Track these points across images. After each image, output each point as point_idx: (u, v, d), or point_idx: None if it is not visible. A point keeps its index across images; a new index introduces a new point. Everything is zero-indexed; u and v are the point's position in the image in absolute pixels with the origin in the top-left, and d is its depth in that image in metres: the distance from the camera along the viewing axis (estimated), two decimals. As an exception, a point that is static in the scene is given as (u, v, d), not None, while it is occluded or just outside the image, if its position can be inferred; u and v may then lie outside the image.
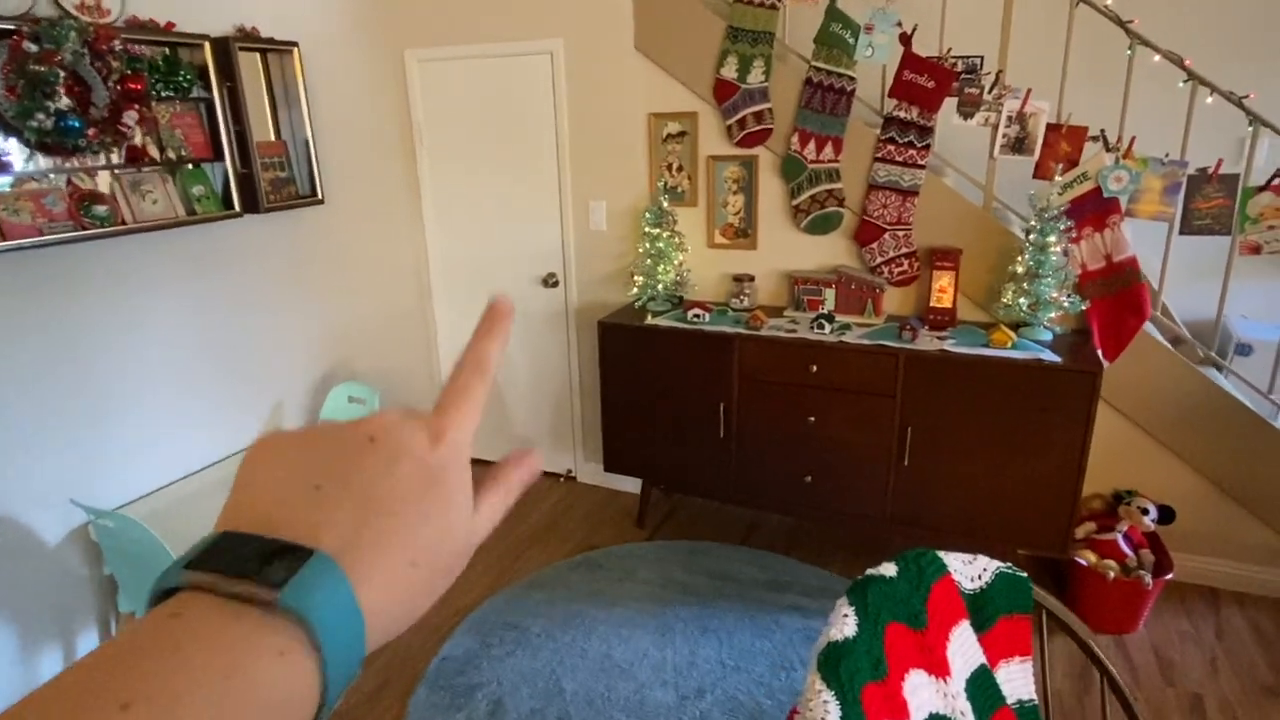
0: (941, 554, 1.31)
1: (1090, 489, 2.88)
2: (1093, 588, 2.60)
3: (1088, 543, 2.74)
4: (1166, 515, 2.73)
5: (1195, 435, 2.72)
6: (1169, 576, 2.57)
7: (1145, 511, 2.71)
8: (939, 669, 1.25)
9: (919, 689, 1.22)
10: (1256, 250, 2.56)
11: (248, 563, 0.27)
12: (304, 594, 0.27)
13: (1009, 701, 1.31)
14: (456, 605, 2.86)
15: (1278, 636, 2.59)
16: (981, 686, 1.29)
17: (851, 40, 2.82)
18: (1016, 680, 1.33)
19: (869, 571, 1.26)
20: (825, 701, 1.09)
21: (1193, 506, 2.80)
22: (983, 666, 1.30)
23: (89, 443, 2.45)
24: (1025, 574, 1.35)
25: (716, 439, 3.02)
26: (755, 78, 2.97)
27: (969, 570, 1.32)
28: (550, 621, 2.75)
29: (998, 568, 1.34)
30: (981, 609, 1.32)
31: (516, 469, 0.41)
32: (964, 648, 1.29)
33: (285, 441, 0.33)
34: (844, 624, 1.18)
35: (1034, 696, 1.33)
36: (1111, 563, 2.64)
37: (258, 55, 2.81)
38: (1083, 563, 2.64)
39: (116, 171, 2.40)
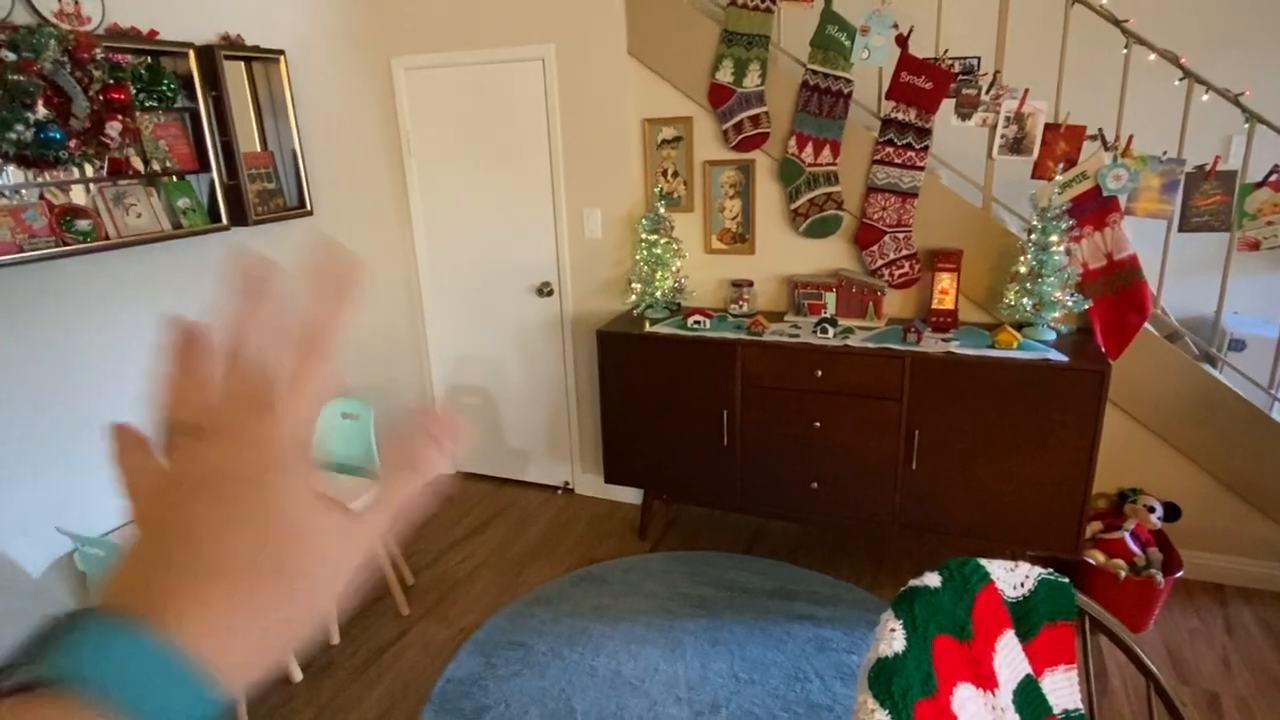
0: (984, 562, 1.28)
1: (1095, 488, 2.87)
2: (1104, 588, 2.58)
3: (1095, 542, 2.73)
4: (1172, 513, 2.73)
5: (1197, 431, 2.72)
6: (1179, 574, 2.56)
7: (1151, 509, 2.71)
8: (986, 681, 1.21)
9: (967, 703, 1.18)
10: (1255, 246, 2.57)
11: (21, 652, 0.26)
12: (71, 658, 0.25)
13: (1055, 711, 1.27)
14: (459, 625, 2.78)
15: (1287, 631, 2.59)
16: (1028, 697, 1.25)
17: (848, 43, 2.80)
18: (1062, 689, 1.29)
19: (912, 583, 1.22)
20: (883, 721, 1.05)
21: (1196, 503, 2.80)
22: (1029, 676, 1.26)
23: (74, 466, 2.35)
24: (1067, 580, 1.32)
25: (720, 447, 2.97)
26: (751, 81, 2.94)
27: (1012, 578, 1.29)
28: (556, 639, 2.68)
29: (1040, 574, 1.30)
30: (1025, 617, 1.28)
31: (429, 441, 0.34)
32: (1010, 658, 1.25)
33: (137, 514, 0.32)
34: (892, 639, 1.13)
35: (1080, 706, 1.29)
36: (1121, 562, 2.63)
37: (243, 64, 2.74)
38: (1092, 563, 2.63)
39: (99, 185, 2.32)
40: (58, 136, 2.12)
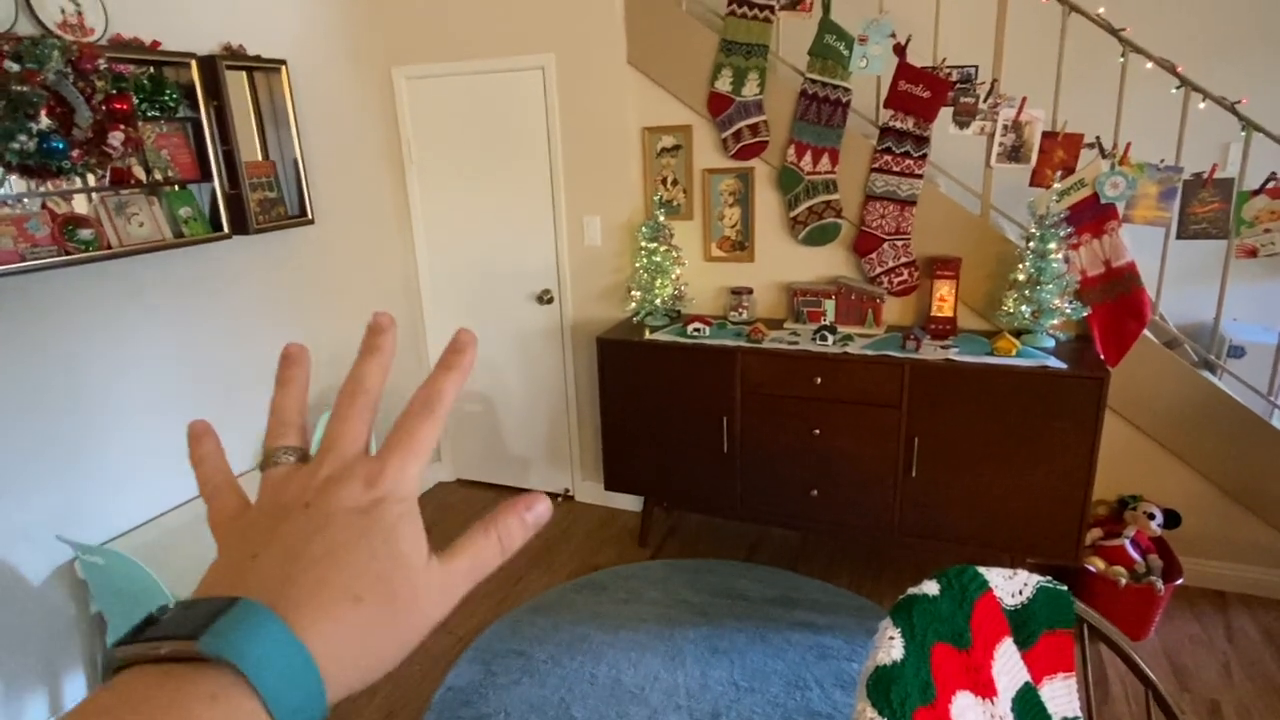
0: (982, 570, 1.28)
1: (1094, 495, 2.87)
2: (1104, 595, 2.58)
3: (1095, 549, 2.73)
4: (1172, 519, 2.72)
5: (1197, 438, 2.72)
6: (1179, 581, 2.56)
7: (1151, 516, 2.71)
8: (985, 689, 1.21)
9: (966, 710, 1.18)
10: (1253, 254, 2.58)
11: (173, 623, 0.29)
12: (225, 637, 0.28)
13: (1055, 719, 1.27)
14: (459, 633, 2.78)
15: (1289, 638, 2.59)
16: (1027, 705, 1.25)
17: (846, 52, 2.82)
18: (1061, 698, 1.29)
19: (911, 591, 1.22)
20: (881, 730, 1.05)
21: (1197, 510, 2.80)
22: (1027, 684, 1.27)
23: (74, 475, 2.36)
24: (1065, 587, 1.32)
25: (720, 454, 2.98)
26: (750, 90, 2.96)
27: (1010, 586, 1.29)
28: (556, 647, 2.68)
29: (1038, 582, 1.31)
30: (1024, 625, 1.28)
31: (513, 511, 0.39)
32: (1008, 666, 1.25)
33: (231, 530, 0.36)
34: (890, 647, 1.14)
35: (1079, 713, 1.29)
36: (1121, 569, 2.63)
37: (244, 74, 2.75)
38: (1092, 570, 2.62)
39: (101, 194, 2.33)
40: (60, 146, 2.13)
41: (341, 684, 0.30)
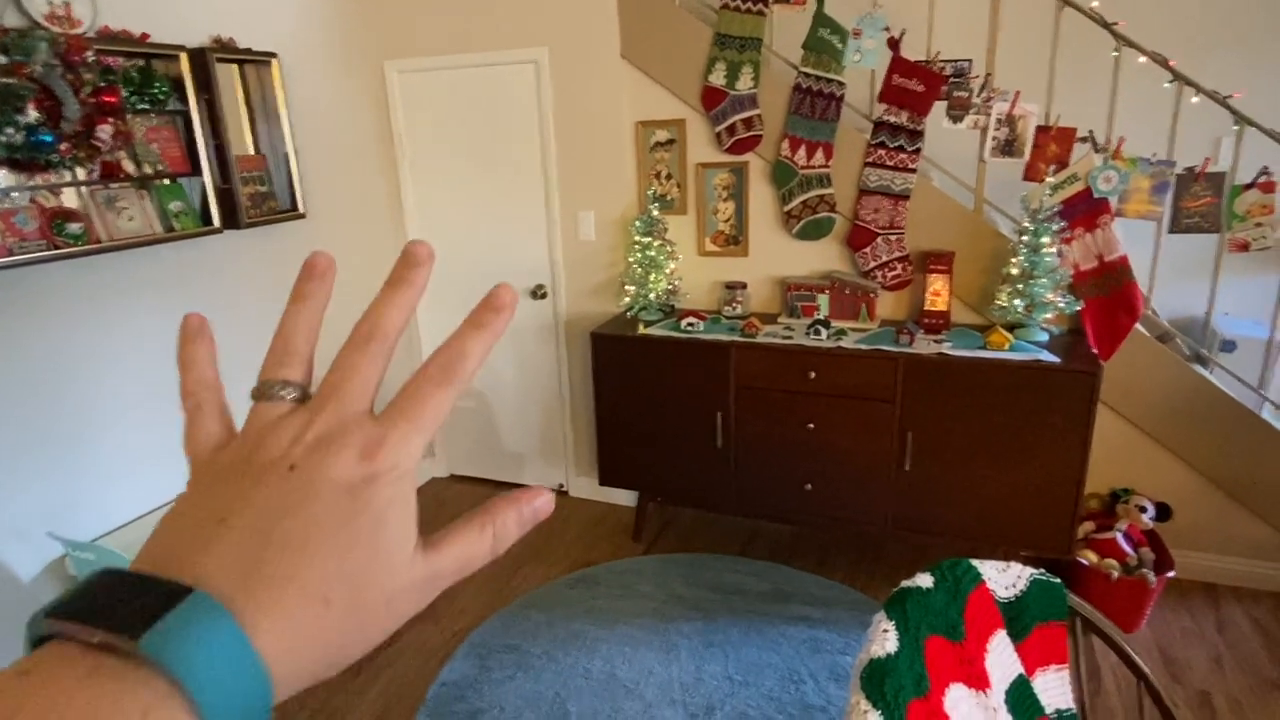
0: (975, 562, 1.28)
1: (1086, 488, 2.88)
2: (1096, 588, 2.59)
3: (1087, 542, 2.74)
4: (1164, 512, 2.74)
5: (1188, 431, 2.74)
6: (1170, 574, 2.57)
7: (1143, 509, 2.72)
8: (979, 681, 1.21)
9: (960, 703, 1.18)
10: (1244, 247, 2.59)
11: (115, 606, 0.25)
12: (170, 640, 0.24)
13: (1048, 711, 1.28)
14: (453, 628, 2.78)
15: (1279, 630, 2.60)
16: (1021, 697, 1.25)
17: (840, 45, 2.81)
18: (1054, 689, 1.30)
19: (904, 584, 1.23)
20: (875, 722, 1.05)
21: (1188, 503, 2.81)
22: (1021, 676, 1.27)
23: (65, 471, 2.34)
24: (1058, 580, 1.32)
25: (714, 449, 2.98)
26: (744, 84, 2.95)
27: (1003, 578, 1.29)
28: (551, 642, 2.68)
29: (1031, 575, 1.31)
30: (1017, 617, 1.29)
31: (511, 505, 0.34)
32: (1002, 658, 1.26)
33: (207, 467, 0.32)
34: (884, 639, 1.14)
35: (1072, 705, 1.30)
36: (1113, 562, 2.64)
37: (235, 67, 2.73)
38: (1085, 563, 2.64)
39: (90, 188, 2.31)
40: (49, 140, 2.11)
41: (291, 685, 0.28)
